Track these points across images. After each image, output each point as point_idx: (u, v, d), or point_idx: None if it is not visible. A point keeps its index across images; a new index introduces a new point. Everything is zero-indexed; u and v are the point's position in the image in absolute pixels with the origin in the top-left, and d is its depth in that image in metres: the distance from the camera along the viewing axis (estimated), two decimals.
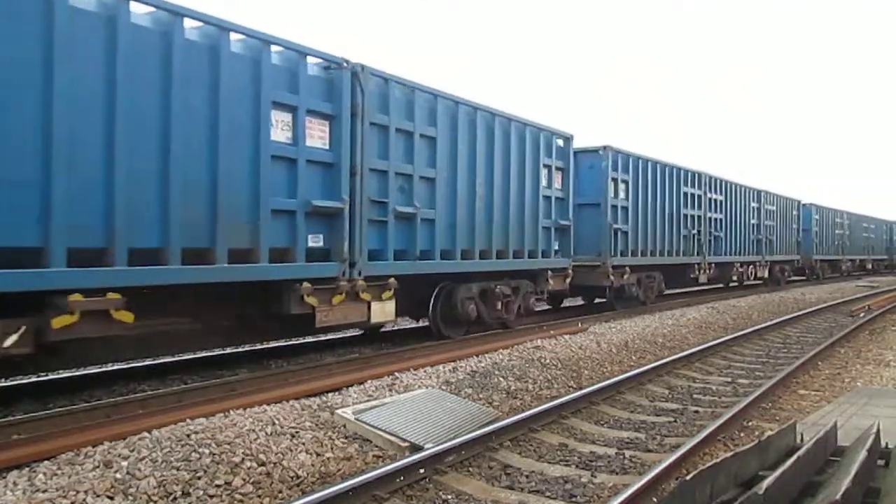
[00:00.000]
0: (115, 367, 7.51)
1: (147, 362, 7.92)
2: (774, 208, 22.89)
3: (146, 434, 4.71)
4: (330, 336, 9.90)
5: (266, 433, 4.94)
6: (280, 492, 4.27)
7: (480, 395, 6.69)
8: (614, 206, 13.46)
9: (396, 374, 7.26)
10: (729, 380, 8.15)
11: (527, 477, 4.67)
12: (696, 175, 17.04)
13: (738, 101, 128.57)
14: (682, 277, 16.96)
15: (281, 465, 4.53)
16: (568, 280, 11.92)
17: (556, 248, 11.51)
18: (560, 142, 11.67)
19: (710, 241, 17.68)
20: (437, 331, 9.51)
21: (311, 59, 7.11)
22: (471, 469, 4.81)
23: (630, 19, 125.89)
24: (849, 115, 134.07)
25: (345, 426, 5.38)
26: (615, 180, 13.49)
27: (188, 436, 4.65)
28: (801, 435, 4.77)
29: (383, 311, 7.99)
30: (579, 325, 11.56)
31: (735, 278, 20.24)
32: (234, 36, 6.29)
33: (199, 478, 4.15)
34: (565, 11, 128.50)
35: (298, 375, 7.06)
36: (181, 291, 6.13)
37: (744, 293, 19.90)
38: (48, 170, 4.98)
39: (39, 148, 4.95)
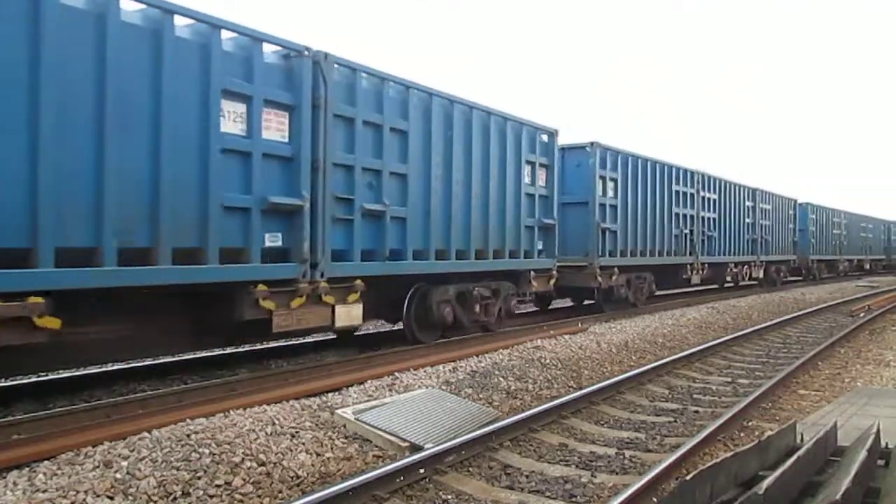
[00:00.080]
0: (115, 368, 7.51)
1: (147, 362, 7.92)
2: (770, 207, 22.51)
3: (146, 434, 4.71)
4: (330, 336, 9.89)
5: (266, 433, 4.94)
6: (280, 492, 4.27)
7: (480, 395, 6.69)
8: (602, 205, 13.07)
9: (396, 374, 7.26)
10: (729, 380, 8.15)
11: (527, 477, 4.67)
12: (689, 173, 16.63)
13: (737, 101, 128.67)
14: (674, 278, 16.54)
15: (281, 465, 4.53)
16: (552, 281, 11.50)
17: (540, 248, 11.08)
18: (544, 137, 11.24)
19: (703, 240, 17.24)
20: (410, 335, 9.05)
21: (267, 47, 6.68)
22: (471, 469, 4.81)
23: (630, 19, 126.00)
24: (848, 116, 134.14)
25: (345, 426, 5.38)
26: (603, 178, 13.11)
27: (188, 436, 4.65)
28: (801, 435, 4.77)
29: (349, 315, 7.56)
30: (579, 325, 11.56)
31: (729, 279, 19.85)
32: (179, 20, 5.86)
33: (199, 478, 4.15)
34: (565, 11, 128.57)
35: (298, 375, 7.07)
36: (123, 295, 5.71)
37: (743, 293, 19.88)
38: None
39: None
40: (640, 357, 9.50)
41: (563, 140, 12.74)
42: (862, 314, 15.17)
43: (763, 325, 12.54)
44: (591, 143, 12.94)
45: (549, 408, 6.05)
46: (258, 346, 9.11)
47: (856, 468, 3.53)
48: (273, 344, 9.15)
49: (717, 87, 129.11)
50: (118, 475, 4.05)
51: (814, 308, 16.27)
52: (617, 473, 4.78)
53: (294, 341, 9.49)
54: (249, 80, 6.41)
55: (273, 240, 6.71)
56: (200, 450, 4.44)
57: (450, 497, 4.32)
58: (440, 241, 8.91)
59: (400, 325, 9.48)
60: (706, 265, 17.45)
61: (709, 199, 17.76)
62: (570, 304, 15.50)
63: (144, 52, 5.59)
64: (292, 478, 4.45)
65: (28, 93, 4.87)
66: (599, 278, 12.89)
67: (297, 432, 5.07)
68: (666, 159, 15.50)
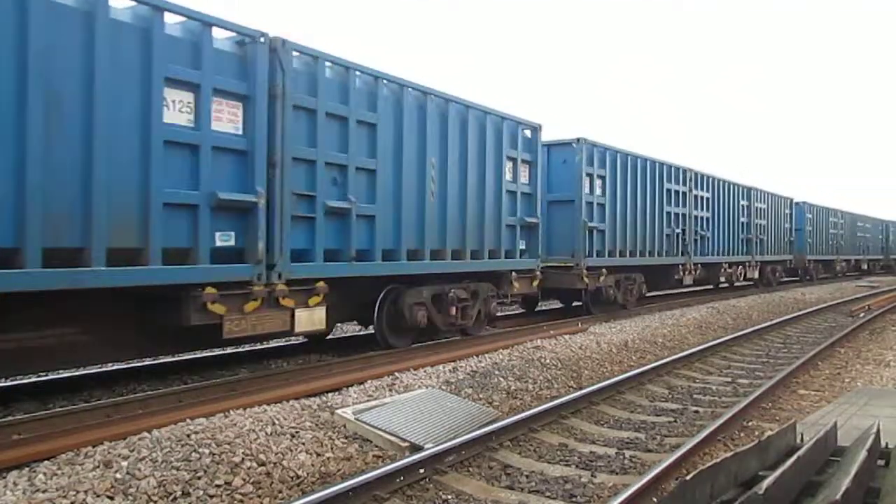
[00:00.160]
0: (115, 368, 7.50)
1: (147, 362, 7.92)
2: (765, 206, 22.05)
3: (146, 434, 4.72)
4: (331, 336, 9.88)
5: (266, 433, 4.94)
6: (280, 492, 4.27)
7: (480, 395, 6.69)
8: (589, 203, 12.60)
9: (396, 374, 7.26)
10: (729, 380, 8.15)
11: (527, 477, 4.67)
12: (681, 170, 16.11)
13: (737, 100, 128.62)
14: (665, 279, 16.02)
15: (281, 465, 4.53)
16: (536, 283, 11.03)
17: (523, 247, 10.60)
18: (527, 132, 10.77)
19: (695, 240, 16.74)
20: (381, 339, 8.59)
21: (219, 32, 6.26)
22: (471, 469, 4.81)
23: (630, 19, 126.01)
24: (846, 116, 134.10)
25: (345, 426, 5.38)
26: (590, 175, 12.64)
27: (188, 436, 4.65)
28: (801, 435, 4.77)
29: (310, 320, 7.06)
30: (579, 325, 11.55)
31: (723, 279, 19.35)
32: (116, 1, 5.48)
33: (199, 478, 4.15)
34: (565, 11, 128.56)
35: (298, 375, 7.06)
36: (55, 299, 5.24)
37: (743, 293, 19.88)
38: None
39: None
40: (640, 357, 9.50)
41: (557, 136, 12.63)
42: (862, 314, 15.17)
43: (763, 325, 12.55)
44: (578, 139, 12.48)
45: (549, 408, 6.05)
46: (258, 346, 9.11)
47: (856, 468, 3.53)
48: (273, 344, 9.15)
49: (716, 86, 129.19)
50: (118, 475, 4.05)
51: (814, 308, 16.27)
52: (617, 473, 4.78)
53: (294, 341, 9.49)
54: (197, 67, 5.97)
55: (225, 239, 6.29)
56: (200, 450, 4.44)
57: (450, 497, 4.32)
58: (413, 241, 8.50)
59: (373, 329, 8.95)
60: (699, 265, 17.02)
61: (702, 197, 17.34)
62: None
63: (75, 35, 5.17)
64: (292, 478, 4.45)
65: None
66: (586, 279, 12.42)
67: (297, 432, 5.08)
68: (657, 156, 15.11)
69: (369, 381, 6.89)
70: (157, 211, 5.67)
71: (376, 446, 5.14)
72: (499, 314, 13.00)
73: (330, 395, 6.29)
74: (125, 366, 7.62)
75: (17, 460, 4.31)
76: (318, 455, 4.81)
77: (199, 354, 8.26)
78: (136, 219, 5.58)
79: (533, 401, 6.82)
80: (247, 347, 8.99)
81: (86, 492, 3.83)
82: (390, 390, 6.58)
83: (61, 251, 5.14)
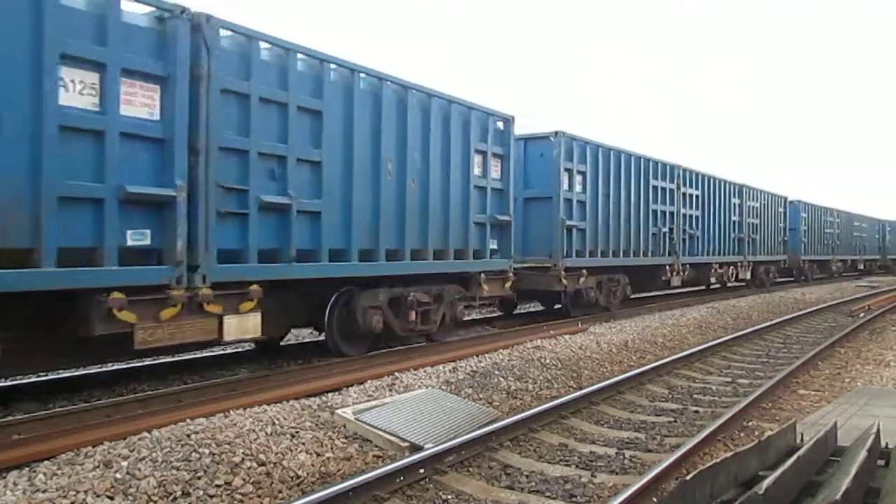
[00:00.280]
0: (115, 368, 7.51)
1: (147, 362, 7.92)
2: (758, 205, 21.47)
3: (146, 434, 4.72)
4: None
5: (266, 433, 4.94)
6: (280, 492, 4.27)
7: (480, 395, 6.69)
8: (568, 200, 11.98)
9: (396, 374, 7.26)
10: (729, 380, 8.15)
11: (527, 477, 4.67)
12: (668, 167, 15.47)
13: (722, 95, 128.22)
14: (652, 280, 15.39)
15: (281, 465, 4.53)
16: (508, 284, 10.38)
17: (494, 247, 9.98)
18: (499, 124, 10.14)
19: (684, 240, 16.14)
20: (333, 346, 7.97)
21: (131, 6, 5.61)
22: (471, 469, 4.81)
23: (612, 13, 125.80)
24: (838, 109, 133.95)
25: (345, 426, 5.38)
26: (569, 171, 11.98)
27: (188, 436, 4.65)
28: (801, 435, 4.77)
29: (242, 327, 6.40)
30: (579, 325, 11.55)
31: (714, 280, 18.68)
32: None
33: (199, 478, 4.16)
34: (547, 5, 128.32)
35: (298, 375, 7.06)
36: None
37: (743, 294, 19.86)
38: None
39: None
40: (640, 357, 9.50)
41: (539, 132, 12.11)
42: (862, 314, 15.17)
43: (763, 325, 12.54)
44: (556, 132, 11.83)
45: (549, 408, 6.05)
46: (254, 347, 9.10)
47: (856, 468, 3.53)
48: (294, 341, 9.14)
49: (701, 81, 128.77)
50: (118, 475, 4.05)
51: (814, 308, 16.27)
52: (617, 473, 4.78)
53: (292, 341, 9.48)
54: (103, 43, 5.28)
55: (138, 238, 5.61)
56: (200, 450, 4.45)
57: (450, 497, 4.32)
58: (366, 240, 7.83)
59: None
60: (688, 266, 16.38)
61: (691, 195, 16.73)
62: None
63: None
64: (292, 478, 4.45)
65: None
66: (565, 281, 11.83)
67: (297, 432, 5.08)
68: (642, 152, 14.53)
69: (369, 381, 6.89)
70: (50, 206, 4.99)
71: (376, 446, 5.14)
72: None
73: (330, 395, 6.29)
74: (125, 366, 7.62)
75: (17, 460, 4.31)
76: (318, 455, 4.81)
77: (198, 354, 8.26)
78: (24, 215, 4.90)
79: (533, 401, 6.82)
80: (247, 347, 8.95)
81: (86, 492, 3.83)
82: (390, 390, 6.58)
83: None
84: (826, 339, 11.11)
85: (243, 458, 4.46)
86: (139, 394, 6.36)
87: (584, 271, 12.40)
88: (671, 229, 15.49)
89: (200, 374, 7.46)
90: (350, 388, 6.61)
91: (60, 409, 5.62)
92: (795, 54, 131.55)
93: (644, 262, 14.60)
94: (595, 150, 12.79)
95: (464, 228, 9.37)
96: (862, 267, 35.32)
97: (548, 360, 8.28)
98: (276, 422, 5.19)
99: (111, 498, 3.84)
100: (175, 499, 3.94)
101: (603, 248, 13.06)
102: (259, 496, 4.16)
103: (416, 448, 4.96)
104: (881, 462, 4.29)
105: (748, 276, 20.90)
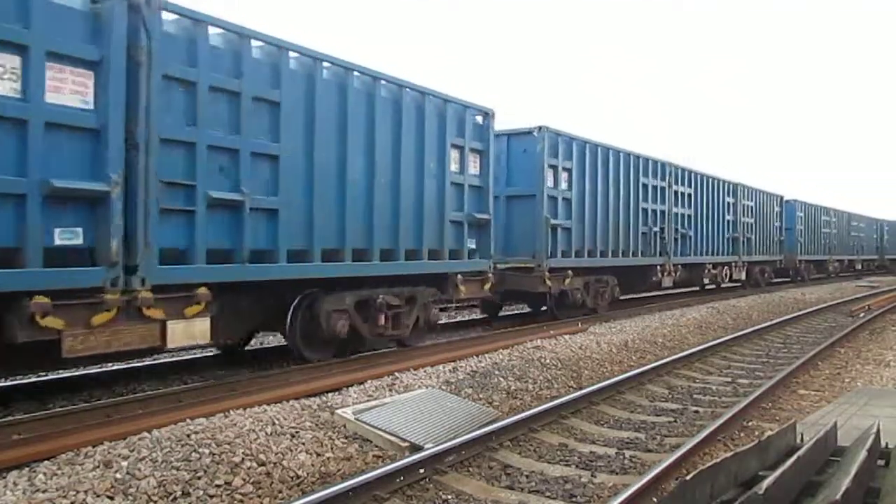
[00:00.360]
0: (115, 368, 7.51)
1: (147, 362, 7.93)
2: (753, 204, 21.13)
3: (146, 434, 4.72)
4: None
5: (266, 433, 4.94)
6: (280, 492, 4.27)
7: (480, 395, 6.69)
8: (553, 198, 11.54)
9: (396, 374, 7.26)
10: (729, 380, 8.15)
11: (527, 477, 4.67)
12: (659, 164, 15.02)
13: (722, 95, 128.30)
14: (642, 281, 14.96)
15: (281, 465, 4.53)
16: (487, 286, 9.91)
17: (472, 247, 9.54)
18: (478, 118, 9.70)
19: (676, 239, 15.70)
20: (295, 352, 7.57)
21: None
22: (471, 469, 4.81)
23: (612, 14, 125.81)
24: (837, 109, 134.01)
25: (345, 426, 5.38)
26: (554, 167, 11.56)
27: (188, 436, 4.65)
28: (801, 435, 4.77)
29: (188, 333, 5.94)
30: (579, 325, 11.54)
31: (707, 281, 18.19)
32: None
33: (199, 478, 4.16)
34: (547, 5, 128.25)
35: (298, 375, 7.06)
36: None
37: (743, 294, 19.87)
38: None
39: None
40: (640, 357, 9.50)
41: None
42: (862, 314, 15.17)
43: (763, 325, 12.54)
44: (539, 127, 11.39)
45: (549, 408, 6.05)
46: (258, 346, 9.10)
47: (856, 468, 3.53)
48: (275, 343, 9.15)
49: (700, 81, 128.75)
50: (118, 475, 4.05)
51: (814, 308, 16.27)
52: (617, 473, 4.78)
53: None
54: (25, 24, 4.87)
55: (68, 237, 5.17)
56: (200, 450, 4.45)
57: (450, 497, 4.32)
58: (331, 240, 7.36)
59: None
60: (679, 266, 15.95)
61: (683, 193, 16.28)
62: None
63: None
64: (292, 478, 4.46)
65: None
66: (549, 282, 11.41)
67: (297, 432, 5.08)
68: (632, 148, 14.07)
69: (369, 381, 6.88)
70: None
71: (376, 446, 5.14)
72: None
73: (330, 395, 6.29)
74: (125, 366, 7.63)
75: (17, 460, 4.31)
76: (318, 455, 4.81)
77: (198, 354, 8.27)
78: None
79: (533, 401, 6.82)
80: (247, 347, 8.93)
81: (86, 492, 3.83)
82: (390, 390, 6.58)
83: None
84: (826, 339, 11.11)
85: (243, 458, 4.46)
86: (139, 394, 6.37)
87: (570, 272, 12.05)
88: (662, 228, 15.15)
89: (200, 374, 7.46)
90: (350, 388, 6.60)
91: (60, 409, 5.62)
92: (795, 54, 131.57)
93: (633, 263, 14.22)
94: (582, 147, 12.40)
95: (439, 227, 8.92)
96: (859, 267, 35.04)
97: (548, 360, 8.28)
98: (276, 422, 5.19)
99: (111, 498, 3.84)
100: (175, 499, 3.94)
101: (590, 247, 12.68)
102: (259, 496, 4.16)
103: (416, 448, 4.96)
104: (881, 462, 4.29)
105: (743, 276, 20.57)
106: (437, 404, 5.99)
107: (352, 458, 4.88)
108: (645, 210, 14.50)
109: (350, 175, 7.54)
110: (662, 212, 15.23)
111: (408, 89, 8.35)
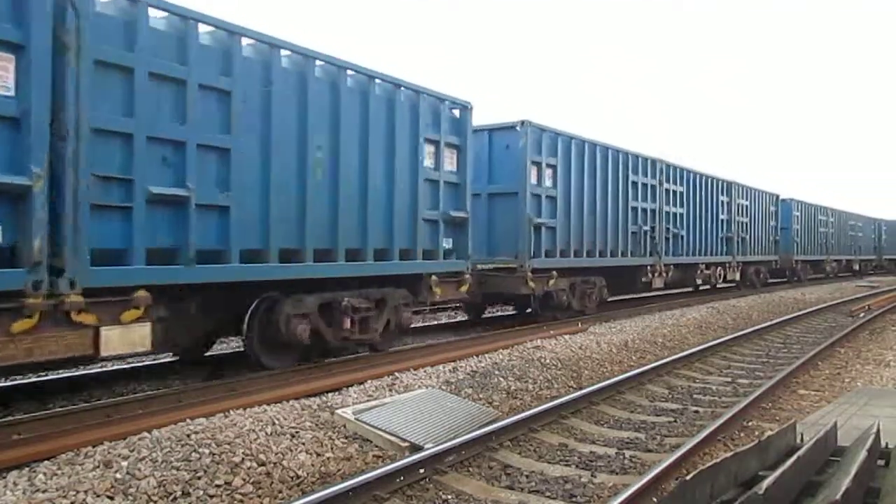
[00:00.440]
0: (115, 368, 7.51)
1: (147, 362, 7.92)
2: (748, 203, 20.66)
3: (146, 434, 4.72)
4: None
5: (266, 433, 4.94)
6: (280, 492, 4.27)
7: (480, 395, 6.69)
8: (536, 196, 11.06)
9: (396, 374, 7.26)
10: (729, 380, 8.15)
11: (527, 477, 4.67)
12: (650, 161, 14.58)
13: (722, 95, 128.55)
14: (631, 282, 14.48)
15: (281, 465, 4.53)
16: (465, 288, 9.45)
17: (448, 247, 9.09)
18: (455, 112, 9.26)
19: (667, 239, 15.26)
20: (254, 358, 7.11)
21: None
22: (471, 469, 4.81)
23: (612, 14, 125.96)
24: (836, 109, 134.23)
25: (345, 426, 5.38)
26: (538, 164, 11.08)
27: (188, 436, 4.65)
28: (801, 435, 4.77)
29: (126, 339, 5.44)
30: (579, 325, 11.54)
31: (700, 281, 17.71)
32: None
33: (199, 478, 4.16)
34: (547, 5, 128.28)
35: (298, 375, 7.06)
36: None
37: (743, 294, 19.86)
38: None
39: None
40: (640, 357, 9.50)
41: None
42: (862, 314, 15.17)
43: (763, 325, 12.54)
44: (522, 122, 10.93)
45: (549, 408, 6.05)
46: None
47: (856, 468, 3.53)
48: None
49: (700, 81, 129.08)
50: (118, 475, 4.05)
51: (813, 308, 16.27)
52: (617, 473, 4.78)
53: None
54: None
55: None
56: (200, 450, 4.45)
57: (450, 497, 4.32)
58: (290, 239, 6.93)
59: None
60: (671, 267, 15.51)
61: (675, 191, 15.81)
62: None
63: None
64: (292, 478, 4.46)
65: None
66: (532, 283, 10.93)
67: (297, 432, 5.08)
68: (621, 145, 13.60)
69: (369, 381, 6.89)
70: None
71: (376, 446, 5.14)
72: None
73: (330, 395, 6.29)
74: (125, 366, 7.63)
75: (17, 460, 4.31)
76: (318, 455, 4.81)
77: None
78: None
79: (533, 401, 6.82)
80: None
81: (86, 492, 3.83)
82: (390, 390, 6.58)
83: None
84: (826, 339, 11.11)
85: (243, 458, 4.46)
86: (139, 394, 6.36)
87: (555, 273, 11.59)
88: (653, 228, 14.72)
89: (200, 374, 7.46)
90: (350, 388, 6.61)
91: (60, 409, 5.62)
92: (794, 54, 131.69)
93: (622, 263, 13.78)
94: (567, 142, 11.93)
95: (411, 226, 8.41)
96: (857, 267, 34.73)
97: (548, 360, 8.28)
98: (276, 422, 5.19)
99: (111, 498, 3.84)
100: (175, 499, 3.94)
101: (576, 247, 12.21)
102: (259, 496, 4.16)
103: (416, 448, 4.96)
104: (881, 462, 4.29)
105: (737, 277, 20.11)
106: (437, 404, 5.99)
107: (352, 458, 4.88)
108: (635, 209, 14.09)
109: (311, 170, 7.08)
110: (653, 210, 14.84)
111: (377, 80, 7.91)
